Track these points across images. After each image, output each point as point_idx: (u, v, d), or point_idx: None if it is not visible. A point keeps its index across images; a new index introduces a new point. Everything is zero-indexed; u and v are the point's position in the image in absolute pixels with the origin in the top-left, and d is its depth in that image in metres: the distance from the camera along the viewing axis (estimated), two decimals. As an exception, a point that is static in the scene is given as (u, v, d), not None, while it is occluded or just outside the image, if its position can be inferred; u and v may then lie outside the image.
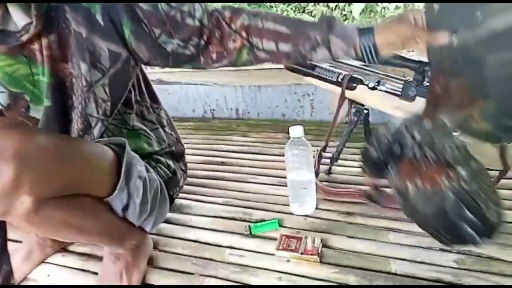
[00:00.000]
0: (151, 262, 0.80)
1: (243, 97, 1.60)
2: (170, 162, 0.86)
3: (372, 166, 0.69)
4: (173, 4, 0.67)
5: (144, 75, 0.86)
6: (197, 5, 0.68)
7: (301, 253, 0.77)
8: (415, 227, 0.76)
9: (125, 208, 0.67)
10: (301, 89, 1.49)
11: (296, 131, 0.84)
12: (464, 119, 0.67)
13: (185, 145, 1.00)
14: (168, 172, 0.84)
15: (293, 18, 0.70)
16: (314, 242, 0.79)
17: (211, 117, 1.71)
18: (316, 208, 0.93)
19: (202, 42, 0.68)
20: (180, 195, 0.98)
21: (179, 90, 1.69)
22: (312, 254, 0.76)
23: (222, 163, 1.24)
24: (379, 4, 2.04)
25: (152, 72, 1.68)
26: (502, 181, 0.84)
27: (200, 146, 1.37)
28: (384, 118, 1.36)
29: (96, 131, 0.70)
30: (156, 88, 1.66)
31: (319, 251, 0.77)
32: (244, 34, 0.68)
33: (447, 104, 0.63)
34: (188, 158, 1.03)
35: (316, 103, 1.50)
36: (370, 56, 0.66)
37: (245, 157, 1.27)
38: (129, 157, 0.66)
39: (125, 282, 0.71)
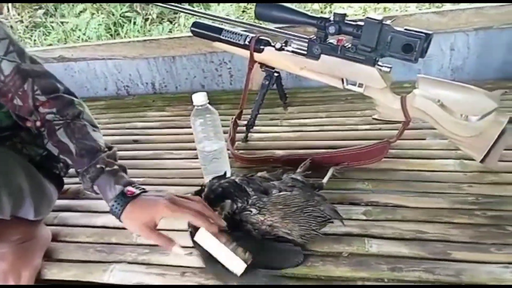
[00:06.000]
0: (49, 255, 0.73)
1: (158, 69, 1.50)
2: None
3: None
4: None
5: None
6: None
7: None
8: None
9: None
10: (217, 57, 1.43)
11: (199, 98, 0.79)
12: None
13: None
14: (39, 151, 0.76)
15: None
16: None
17: (125, 94, 1.59)
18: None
19: None
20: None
21: (86, 67, 1.54)
22: None
23: (136, 141, 1.16)
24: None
25: (52, 49, 1.52)
26: (406, 132, 0.87)
27: (111, 125, 1.27)
28: (301, 82, 1.38)
29: None
30: (60, 67, 1.53)
31: None
32: (38, 124, 0.68)
33: None
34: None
35: (234, 71, 1.45)
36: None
37: (160, 133, 1.20)
38: None
39: (11, 283, 0.63)
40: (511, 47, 1.20)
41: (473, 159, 0.82)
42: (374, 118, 0.90)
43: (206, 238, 0.59)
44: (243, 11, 2.35)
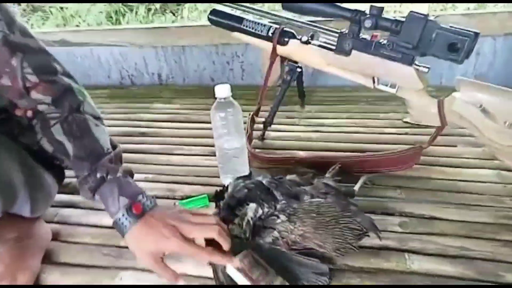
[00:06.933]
0: (48, 257, 0.65)
1: (166, 59, 1.42)
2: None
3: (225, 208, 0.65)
4: None
5: None
6: None
7: None
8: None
9: None
10: (230, 50, 1.36)
11: (223, 91, 0.72)
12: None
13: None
14: (38, 138, 0.67)
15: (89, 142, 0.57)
16: None
17: (130, 83, 1.51)
18: (250, 178, 0.84)
19: None
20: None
21: (89, 53, 1.45)
22: None
23: (143, 134, 1.08)
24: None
25: (54, 32, 1.43)
26: (437, 138, 0.81)
27: (116, 116, 1.19)
28: (317, 81, 1.32)
29: None
30: (62, 51, 1.45)
31: None
32: (30, 114, 0.60)
33: None
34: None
35: (246, 65, 1.38)
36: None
37: (169, 126, 1.12)
38: None
39: (7, 289, 0.55)
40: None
41: (512, 171, 0.76)
42: (405, 122, 0.84)
43: (236, 275, 0.53)
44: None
